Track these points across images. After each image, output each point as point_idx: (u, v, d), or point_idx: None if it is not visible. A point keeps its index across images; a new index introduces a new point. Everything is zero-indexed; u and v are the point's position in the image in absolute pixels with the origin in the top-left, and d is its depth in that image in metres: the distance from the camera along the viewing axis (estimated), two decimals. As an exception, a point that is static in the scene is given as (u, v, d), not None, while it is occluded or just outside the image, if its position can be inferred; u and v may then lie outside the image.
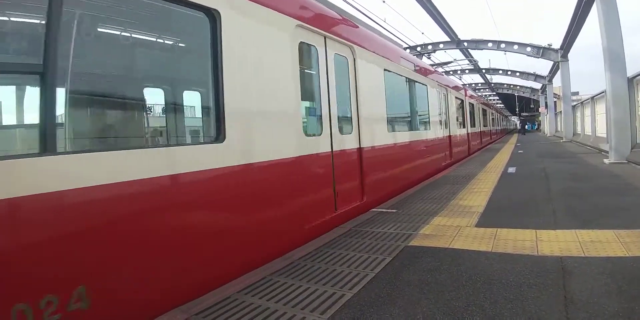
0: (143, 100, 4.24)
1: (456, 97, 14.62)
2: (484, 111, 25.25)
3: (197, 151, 3.20)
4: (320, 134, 4.97)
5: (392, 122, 7.53)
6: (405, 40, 20.14)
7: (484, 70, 36.10)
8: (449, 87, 13.36)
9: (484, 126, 24.52)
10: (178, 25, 3.80)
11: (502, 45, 24.34)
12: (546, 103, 36.59)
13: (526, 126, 51.05)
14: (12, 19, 2.73)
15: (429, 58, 24.40)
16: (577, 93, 37.47)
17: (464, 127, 15.86)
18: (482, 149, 20.68)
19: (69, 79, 2.93)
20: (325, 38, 5.18)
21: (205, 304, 2.86)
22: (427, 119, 10.19)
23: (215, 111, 3.38)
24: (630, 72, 10.55)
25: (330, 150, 5.09)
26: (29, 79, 3.00)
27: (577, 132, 22.94)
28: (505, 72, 35.72)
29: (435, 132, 10.58)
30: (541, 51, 23.67)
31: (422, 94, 9.95)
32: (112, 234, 2.52)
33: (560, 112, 29.59)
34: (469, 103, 17.91)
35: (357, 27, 6.53)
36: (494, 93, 52.50)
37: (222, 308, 2.80)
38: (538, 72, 34.48)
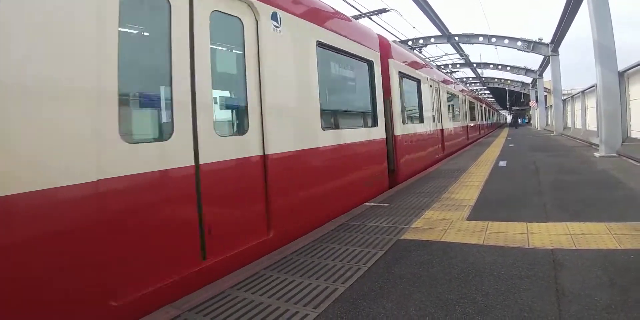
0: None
1: (352, 54, 6.44)
2: (454, 98, 16.54)
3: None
4: None
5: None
6: (396, 35, 20.11)
7: (474, 65, 36.18)
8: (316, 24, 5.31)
9: (456, 121, 16.09)
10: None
11: (493, 40, 24.39)
12: (536, 97, 36.81)
13: (519, 120, 52.12)
14: None
15: (420, 52, 24.40)
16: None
17: (375, 124, 7.13)
18: (451, 156, 13.39)
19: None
20: None
21: (197, 300, 2.83)
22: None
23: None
24: (620, 66, 10.63)
25: None
26: None
27: (568, 125, 23.11)
28: (496, 66, 35.85)
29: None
30: (532, 45, 23.78)
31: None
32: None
33: (551, 106, 29.79)
34: (401, 73, 8.79)
35: None
36: (485, 87, 52.72)
37: (214, 304, 2.78)
38: (529, 66, 34.69)
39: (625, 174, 7.33)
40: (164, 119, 3.24)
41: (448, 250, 3.68)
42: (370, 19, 14.02)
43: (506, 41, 24.34)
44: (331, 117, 6.02)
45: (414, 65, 10.30)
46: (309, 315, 2.56)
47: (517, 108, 61.35)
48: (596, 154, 10.71)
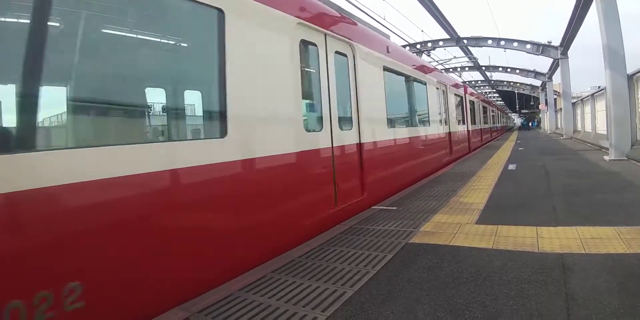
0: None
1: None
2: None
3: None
4: None
5: None
6: (404, 38, 20.11)
7: (483, 68, 36.03)
8: None
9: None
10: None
11: (502, 43, 24.29)
12: (546, 100, 36.53)
13: (529, 123, 54.39)
14: None
15: (429, 56, 24.40)
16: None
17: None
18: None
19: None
20: None
21: (206, 302, 2.86)
22: None
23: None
24: (630, 69, 10.55)
25: None
26: None
27: (577, 129, 22.92)
28: (505, 69, 35.65)
29: None
30: (541, 48, 23.63)
31: None
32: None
33: (560, 109, 29.56)
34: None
35: None
36: (494, 90, 52.49)
37: (223, 306, 2.81)
38: (538, 69, 34.43)
39: (635, 177, 7.25)
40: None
41: (457, 254, 3.68)
42: (379, 22, 14.00)
43: (515, 44, 24.23)
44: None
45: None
46: (317, 319, 2.57)
47: (527, 111, 61.09)
48: (606, 158, 10.61)
